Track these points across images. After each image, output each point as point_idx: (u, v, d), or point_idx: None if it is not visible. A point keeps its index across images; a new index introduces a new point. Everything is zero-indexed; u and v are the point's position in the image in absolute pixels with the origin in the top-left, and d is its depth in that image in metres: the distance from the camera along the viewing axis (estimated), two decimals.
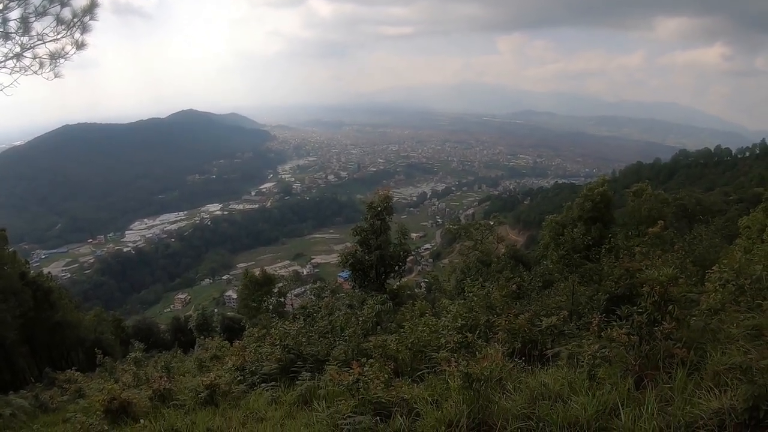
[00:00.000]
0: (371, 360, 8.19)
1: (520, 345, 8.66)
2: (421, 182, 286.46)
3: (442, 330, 10.17)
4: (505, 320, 9.22)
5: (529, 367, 7.37)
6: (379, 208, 22.93)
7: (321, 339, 12.00)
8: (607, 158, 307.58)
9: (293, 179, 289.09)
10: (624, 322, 6.76)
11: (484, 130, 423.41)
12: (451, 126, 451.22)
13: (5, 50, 8.53)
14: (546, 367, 7.33)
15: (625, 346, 6.24)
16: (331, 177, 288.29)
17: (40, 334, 37.13)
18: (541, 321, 9.04)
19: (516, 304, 12.37)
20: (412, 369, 9.00)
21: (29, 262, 49.35)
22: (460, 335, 8.98)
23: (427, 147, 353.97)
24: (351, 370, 7.35)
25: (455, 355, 7.80)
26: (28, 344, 37.78)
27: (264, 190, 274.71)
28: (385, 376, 7.22)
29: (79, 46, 8.82)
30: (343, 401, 6.97)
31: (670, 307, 6.38)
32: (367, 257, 22.94)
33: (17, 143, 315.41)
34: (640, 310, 6.54)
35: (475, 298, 11.60)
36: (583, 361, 6.51)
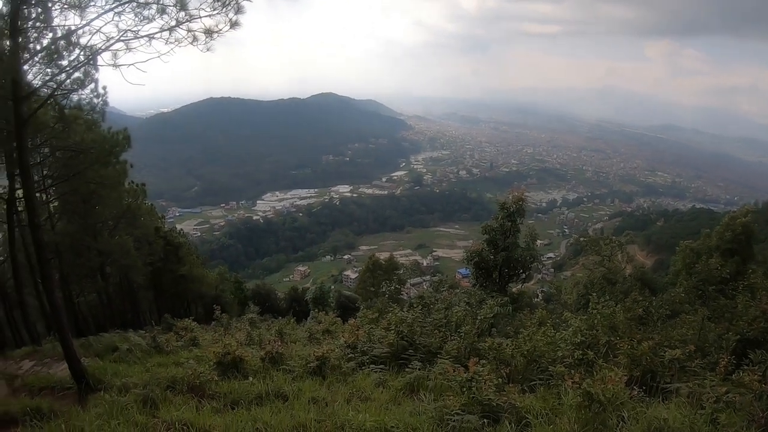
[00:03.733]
0: (483, 361, 8.14)
1: (639, 373, 8.35)
2: (553, 188, 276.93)
3: (560, 343, 9.95)
4: (628, 344, 8.91)
5: (647, 398, 7.10)
6: (512, 209, 22.49)
7: (435, 331, 11.90)
8: (752, 186, 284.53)
9: (425, 170, 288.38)
10: (756, 367, 6.39)
11: (622, 141, 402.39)
12: (589, 133, 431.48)
13: (162, 23, 9.01)
14: (665, 402, 7.05)
15: (755, 394, 5.92)
16: (462, 172, 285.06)
17: (166, 283, 39.28)
18: (664, 352, 8.70)
19: (640, 329, 11.93)
20: (524, 377, 8.89)
21: (165, 217, 51.90)
22: (580, 351, 8.79)
23: (562, 152, 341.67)
24: (464, 367, 7.34)
25: (572, 371, 7.63)
26: (153, 290, 40.62)
27: (395, 177, 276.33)
28: (498, 379, 7.17)
29: (233, 24, 9.20)
30: (452, 397, 6.95)
31: None
32: (492, 257, 22.57)
33: (164, 110, 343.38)
34: None
35: (599, 316, 11.24)
36: (705, 403, 6.24)
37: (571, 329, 10.46)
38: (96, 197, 27.35)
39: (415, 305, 15.11)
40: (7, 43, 9.49)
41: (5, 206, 23.33)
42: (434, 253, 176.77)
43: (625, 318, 11.90)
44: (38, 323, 28.44)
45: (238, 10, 9.06)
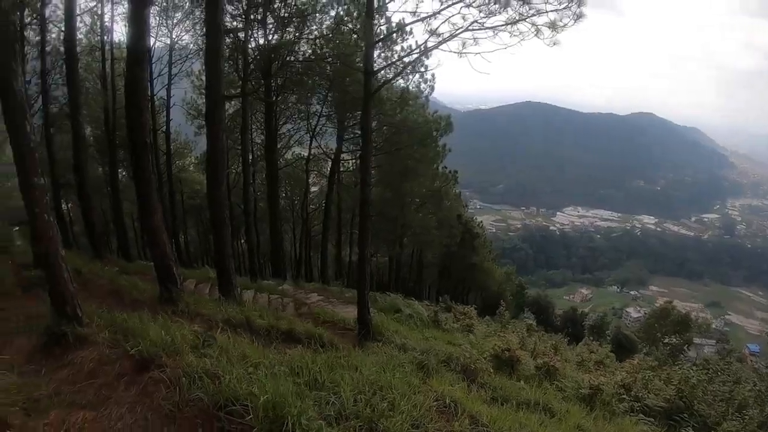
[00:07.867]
0: None
1: None
2: None
3: None
4: None
5: None
6: None
7: (716, 403, 11.12)
8: None
9: (740, 218, 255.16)
10: None
11: None
12: None
13: (506, 16, 9.44)
14: None
15: None
16: None
17: (454, 267, 41.76)
18: None
19: None
20: None
21: (467, 206, 54.25)
22: None
23: None
24: None
25: None
26: (439, 269, 43.40)
27: (705, 219, 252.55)
28: None
29: (577, 17, 9.31)
30: None
31: None
32: None
33: (483, 107, 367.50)
34: None
35: None
36: None
37: None
38: (411, 174, 29.51)
39: (699, 368, 14.25)
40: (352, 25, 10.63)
41: (330, 164, 26.98)
42: (726, 317, 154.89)
43: None
44: (329, 269, 32.98)
45: (581, 2, 9.17)
